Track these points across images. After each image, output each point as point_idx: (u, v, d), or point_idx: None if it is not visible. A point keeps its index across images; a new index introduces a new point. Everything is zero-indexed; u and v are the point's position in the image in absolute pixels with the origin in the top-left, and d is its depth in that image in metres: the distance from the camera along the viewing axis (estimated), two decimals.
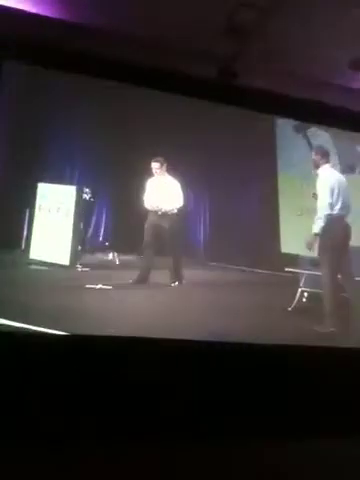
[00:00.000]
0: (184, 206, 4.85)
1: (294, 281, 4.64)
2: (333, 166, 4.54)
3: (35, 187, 4.98)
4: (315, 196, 4.23)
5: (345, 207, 4.16)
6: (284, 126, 5.30)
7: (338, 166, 5.21)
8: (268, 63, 3.76)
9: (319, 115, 4.29)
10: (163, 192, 4.80)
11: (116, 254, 5.04)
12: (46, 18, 3.40)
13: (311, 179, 5.10)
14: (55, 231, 4.86)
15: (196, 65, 3.63)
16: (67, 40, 3.35)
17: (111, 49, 3.42)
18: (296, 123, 5.13)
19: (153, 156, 4.78)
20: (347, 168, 5.23)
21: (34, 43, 3.31)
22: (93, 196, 4.91)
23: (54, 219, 4.91)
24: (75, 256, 4.75)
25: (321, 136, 5.20)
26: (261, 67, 3.77)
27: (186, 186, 4.84)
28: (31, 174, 4.82)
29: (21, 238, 4.95)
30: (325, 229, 4.04)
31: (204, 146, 5.35)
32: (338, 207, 4.12)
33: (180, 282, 4.71)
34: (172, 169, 4.81)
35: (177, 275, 4.73)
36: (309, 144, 5.22)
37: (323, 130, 5.11)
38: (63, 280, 4.41)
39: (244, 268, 5.39)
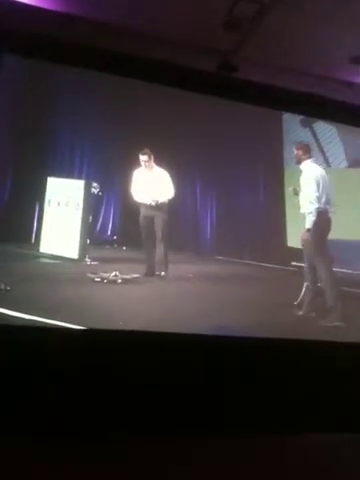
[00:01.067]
0: (175, 197, 4.76)
1: (300, 275, 4.48)
2: (340, 161, 4.51)
3: (45, 182, 5.03)
4: (295, 191, 4.20)
5: (328, 201, 4.14)
6: (291, 120, 5.28)
7: (344, 160, 5.22)
8: (268, 57, 3.72)
9: (319, 109, 4.25)
10: (154, 184, 4.74)
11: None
12: (48, 11, 3.35)
13: None
14: (64, 225, 4.90)
15: (196, 59, 3.61)
16: (68, 34, 3.33)
17: (111, 43, 3.40)
18: (302, 117, 5.09)
19: (159, 150, 4.75)
20: (354, 162, 5.22)
21: (34, 36, 3.27)
22: (101, 190, 4.94)
23: (63, 213, 4.95)
24: (84, 250, 4.78)
25: (328, 130, 5.19)
26: (261, 61, 3.74)
27: (194, 180, 4.86)
28: (40, 169, 4.89)
29: (31, 232, 5.04)
30: (315, 223, 4.01)
31: (210, 141, 5.35)
32: (323, 201, 4.09)
33: (166, 272, 4.68)
34: (162, 161, 4.73)
35: (165, 265, 4.70)
36: (315, 138, 5.20)
37: (330, 124, 5.08)
38: (72, 273, 4.44)
39: (250, 262, 5.42)
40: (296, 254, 4.88)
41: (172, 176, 4.76)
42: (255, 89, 3.85)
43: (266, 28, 3.40)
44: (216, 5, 3.22)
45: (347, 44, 3.58)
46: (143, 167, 4.76)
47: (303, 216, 4.84)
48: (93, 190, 4.87)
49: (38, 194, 5.02)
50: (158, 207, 4.71)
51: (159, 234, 4.70)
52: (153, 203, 4.68)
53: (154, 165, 4.77)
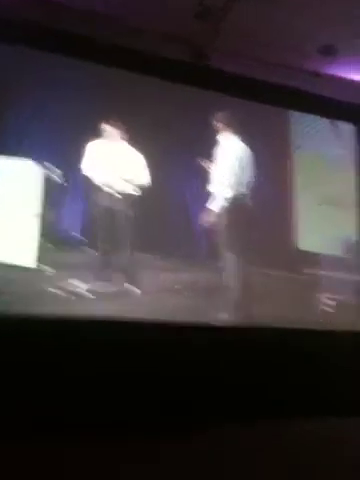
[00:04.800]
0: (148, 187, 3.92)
1: (314, 285, 4.19)
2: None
3: None
4: None
5: (247, 184, 3.82)
6: None
7: None
8: (239, 47, 3.83)
9: (288, 100, 4.29)
10: (119, 162, 3.87)
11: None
12: None
13: (334, 158, 4.35)
14: (13, 223, 3.82)
15: (168, 48, 3.73)
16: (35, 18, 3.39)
17: (84, 29, 3.53)
18: None
19: (142, 129, 3.83)
20: None
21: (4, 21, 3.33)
22: (66, 179, 3.90)
23: (11, 206, 3.80)
24: (43, 255, 3.81)
25: None
26: (232, 51, 3.85)
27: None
28: None
29: None
30: (229, 211, 3.69)
31: (201, 123, 4.48)
32: (244, 183, 3.78)
33: (137, 287, 3.86)
34: (147, 142, 3.88)
35: (133, 278, 3.88)
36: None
37: None
38: (27, 287, 3.60)
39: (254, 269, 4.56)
40: (309, 259, 4.33)
41: (154, 160, 3.88)
42: (227, 79, 3.98)
43: (236, 18, 3.55)
44: None
45: (316, 35, 3.72)
46: (104, 139, 3.86)
47: (320, 212, 4.26)
48: (55, 177, 3.82)
49: None
50: (124, 197, 3.83)
51: (123, 235, 3.83)
52: (116, 193, 3.82)
53: (123, 141, 3.88)
